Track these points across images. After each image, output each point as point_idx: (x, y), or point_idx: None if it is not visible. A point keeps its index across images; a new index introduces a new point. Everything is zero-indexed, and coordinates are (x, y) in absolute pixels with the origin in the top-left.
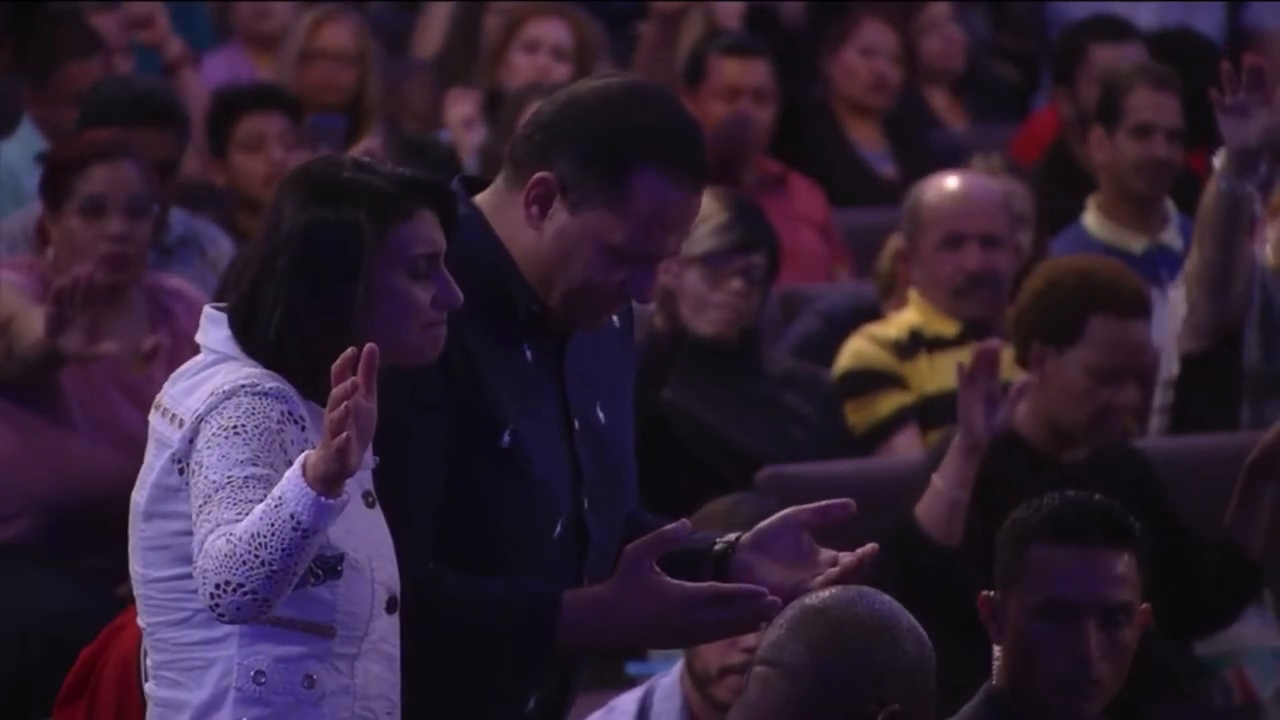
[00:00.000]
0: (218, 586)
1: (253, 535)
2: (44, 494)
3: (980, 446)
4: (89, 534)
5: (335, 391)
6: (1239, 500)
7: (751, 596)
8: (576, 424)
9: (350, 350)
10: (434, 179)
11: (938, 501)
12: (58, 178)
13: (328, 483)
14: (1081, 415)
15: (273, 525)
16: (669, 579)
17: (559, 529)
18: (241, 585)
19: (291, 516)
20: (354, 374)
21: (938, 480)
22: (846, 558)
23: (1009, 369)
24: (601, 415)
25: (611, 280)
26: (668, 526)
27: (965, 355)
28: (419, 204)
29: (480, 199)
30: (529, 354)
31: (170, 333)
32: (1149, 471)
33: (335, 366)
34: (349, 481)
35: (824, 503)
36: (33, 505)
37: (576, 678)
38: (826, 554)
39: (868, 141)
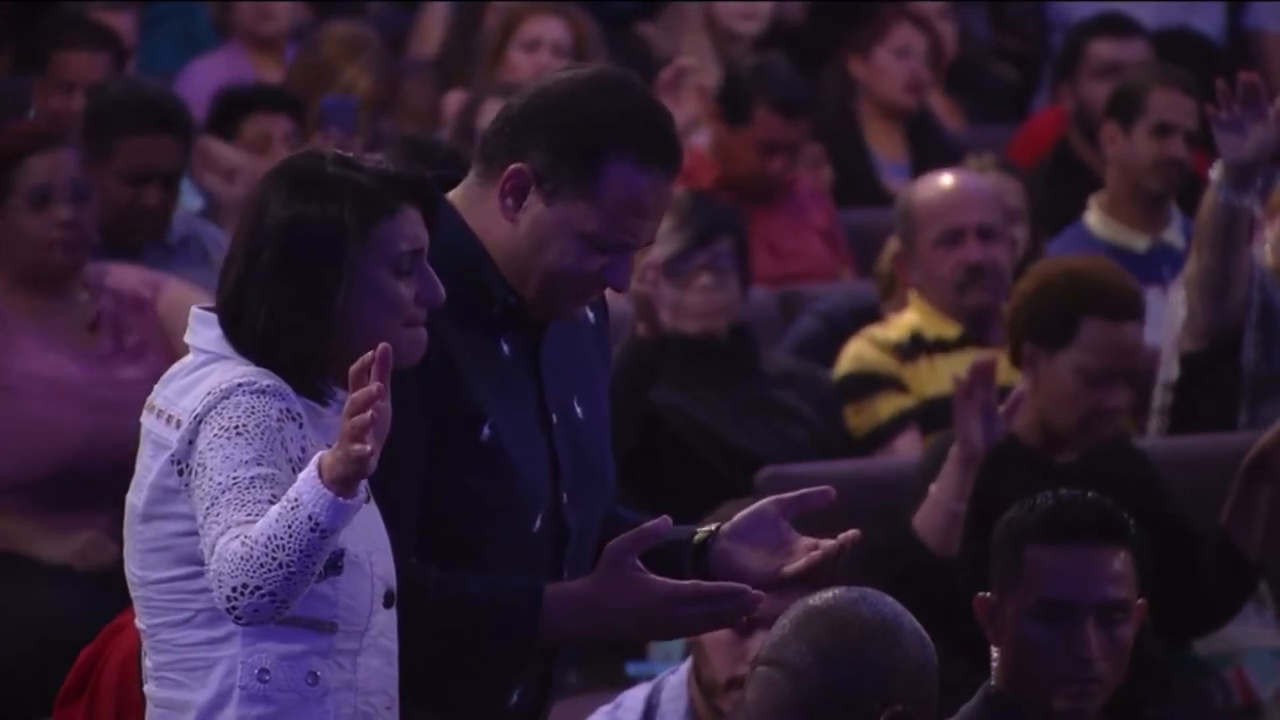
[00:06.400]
0: (234, 590)
1: (269, 538)
2: (7, 465)
3: (977, 458)
4: (68, 496)
5: (357, 396)
6: (1235, 501)
7: (734, 594)
8: (554, 418)
9: (367, 355)
10: (417, 174)
11: (936, 513)
12: None
13: (345, 484)
14: (1072, 417)
15: (290, 527)
16: (652, 575)
17: (538, 523)
18: (260, 588)
19: (310, 518)
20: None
21: (935, 491)
22: (827, 543)
23: (1006, 373)
24: (579, 409)
25: (588, 269)
26: (649, 523)
27: (966, 359)
28: (403, 200)
29: (453, 195)
30: (506, 349)
31: (113, 335)
32: (1147, 470)
33: (353, 370)
34: None
35: (802, 491)
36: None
37: (559, 671)
38: (805, 541)
39: (889, 149)
